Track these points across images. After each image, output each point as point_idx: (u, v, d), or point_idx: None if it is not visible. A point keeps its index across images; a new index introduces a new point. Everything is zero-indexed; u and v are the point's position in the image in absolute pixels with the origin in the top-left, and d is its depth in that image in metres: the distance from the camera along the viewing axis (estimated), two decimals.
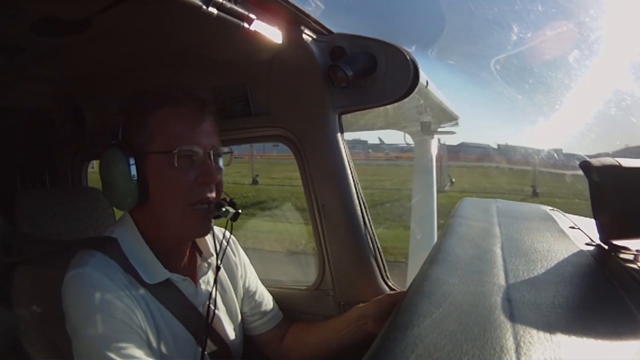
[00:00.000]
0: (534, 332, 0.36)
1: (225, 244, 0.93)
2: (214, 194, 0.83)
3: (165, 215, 0.81)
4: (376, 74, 1.00)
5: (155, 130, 0.80)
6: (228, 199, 0.88)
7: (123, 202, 0.82)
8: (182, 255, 0.89)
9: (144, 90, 0.85)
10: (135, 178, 0.79)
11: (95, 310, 0.73)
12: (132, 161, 0.79)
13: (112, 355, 0.70)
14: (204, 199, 0.82)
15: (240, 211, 0.86)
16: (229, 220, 0.88)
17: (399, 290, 1.02)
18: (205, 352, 0.86)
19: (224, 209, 0.84)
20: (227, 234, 0.94)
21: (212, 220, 0.86)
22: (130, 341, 0.73)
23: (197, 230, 0.85)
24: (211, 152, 0.82)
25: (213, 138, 0.84)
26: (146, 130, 0.80)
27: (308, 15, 0.96)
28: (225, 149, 0.87)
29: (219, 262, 0.90)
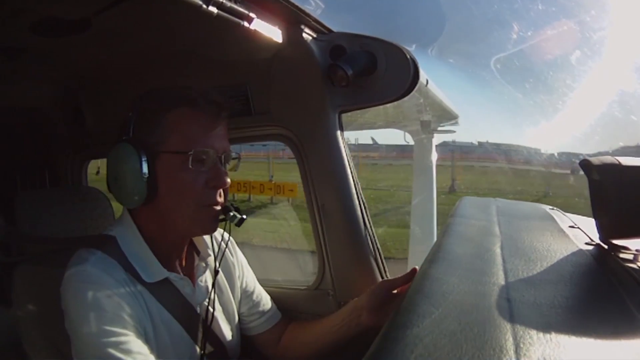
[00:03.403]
0: (533, 331, 0.36)
1: (224, 246, 0.93)
2: (222, 198, 0.84)
3: (173, 215, 0.81)
4: (376, 72, 1.00)
5: (169, 130, 0.79)
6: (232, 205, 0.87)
7: (130, 199, 0.81)
8: (181, 255, 0.89)
9: (159, 89, 0.84)
10: (146, 176, 0.78)
11: (95, 306, 0.72)
12: (144, 158, 0.78)
13: (112, 351, 0.70)
14: (214, 203, 0.82)
15: (245, 217, 0.86)
16: (227, 223, 0.87)
17: (388, 279, 1.01)
18: (203, 352, 0.86)
19: (231, 214, 0.85)
20: (226, 235, 0.94)
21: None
22: (130, 338, 0.72)
23: (205, 228, 0.86)
24: (222, 156, 0.82)
25: (225, 142, 0.84)
26: (160, 128, 0.79)
27: (308, 14, 0.96)
28: (234, 154, 0.87)
29: (217, 264, 0.90)
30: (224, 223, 0.87)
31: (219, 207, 0.83)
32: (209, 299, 0.88)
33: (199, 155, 0.79)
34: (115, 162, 0.80)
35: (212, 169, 0.81)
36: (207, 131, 0.81)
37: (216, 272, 0.90)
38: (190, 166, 0.78)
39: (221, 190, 0.84)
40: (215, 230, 0.88)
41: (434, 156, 2.95)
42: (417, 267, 0.92)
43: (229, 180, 0.83)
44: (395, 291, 0.92)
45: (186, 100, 0.81)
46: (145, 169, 0.77)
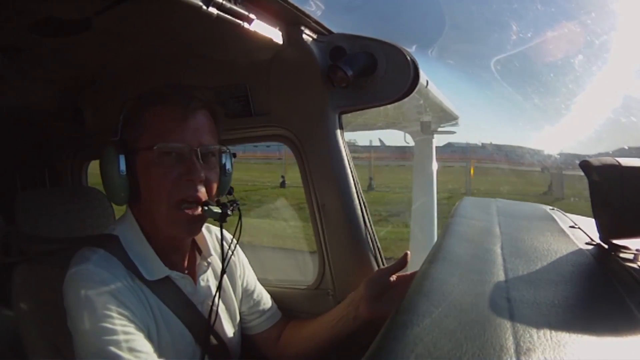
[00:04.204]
0: (533, 331, 0.36)
1: (229, 249, 0.91)
2: (200, 193, 0.81)
3: (154, 213, 0.82)
4: (376, 73, 1.00)
5: (145, 127, 0.81)
6: (224, 200, 0.85)
7: (117, 197, 0.83)
8: (182, 253, 0.90)
9: (145, 90, 0.85)
10: (124, 173, 0.80)
11: (97, 305, 0.73)
12: (121, 157, 0.80)
13: (115, 350, 0.70)
14: (189, 197, 0.80)
15: (229, 212, 0.81)
16: (237, 224, 0.86)
17: (384, 267, 1.01)
18: (205, 350, 0.86)
19: (206, 208, 0.81)
20: (227, 235, 0.94)
21: (203, 220, 0.84)
22: (132, 336, 0.72)
23: (183, 230, 0.84)
24: (198, 149, 0.80)
25: (202, 135, 0.82)
26: (137, 127, 0.82)
27: (308, 16, 0.96)
28: (216, 147, 0.85)
29: (224, 265, 0.88)
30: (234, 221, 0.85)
31: (197, 210, 0.81)
32: (213, 299, 0.88)
33: (165, 149, 0.79)
34: (101, 162, 0.83)
35: (185, 162, 0.80)
36: (178, 125, 0.80)
37: (222, 274, 0.88)
38: (157, 161, 0.79)
39: (201, 186, 0.81)
40: (195, 232, 0.87)
41: (434, 157, 2.95)
42: (408, 252, 0.93)
43: (203, 174, 0.80)
44: (392, 278, 0.92)
45: (157, 96, 0.82)
46: (122, 167, 0.80)
